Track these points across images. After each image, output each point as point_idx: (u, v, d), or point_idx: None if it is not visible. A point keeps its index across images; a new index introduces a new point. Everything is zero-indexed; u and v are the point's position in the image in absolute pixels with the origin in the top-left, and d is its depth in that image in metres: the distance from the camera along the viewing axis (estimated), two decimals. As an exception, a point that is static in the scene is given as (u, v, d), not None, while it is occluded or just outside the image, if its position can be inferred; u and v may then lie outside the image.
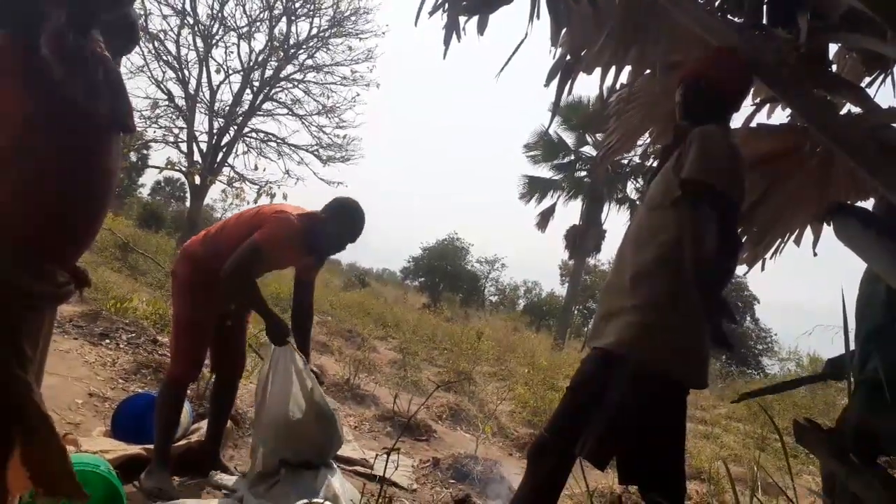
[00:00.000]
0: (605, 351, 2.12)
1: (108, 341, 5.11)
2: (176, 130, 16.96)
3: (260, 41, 17.80)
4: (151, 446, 3.04)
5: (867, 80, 2.76)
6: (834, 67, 2.86)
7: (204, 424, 3.45)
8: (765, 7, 2.45)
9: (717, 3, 2.61)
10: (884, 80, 2.73)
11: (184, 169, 16.64)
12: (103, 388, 4.04)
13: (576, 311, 26.68)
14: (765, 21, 2.46)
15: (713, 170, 2.02)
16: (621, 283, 2.17)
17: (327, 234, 3.13)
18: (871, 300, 2.54)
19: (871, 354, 2.45)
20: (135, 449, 2.99)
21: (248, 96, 17.86)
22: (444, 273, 28.50)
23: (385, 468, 2.26)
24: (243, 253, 2.87)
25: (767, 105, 2.96)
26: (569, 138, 20.66)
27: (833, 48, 2.79)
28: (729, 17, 2.57)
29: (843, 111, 2.70)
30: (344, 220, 3.18)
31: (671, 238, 2.06)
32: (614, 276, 2.27)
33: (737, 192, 2.04)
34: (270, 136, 18.20)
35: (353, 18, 17.76)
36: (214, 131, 17.25)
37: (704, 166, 2.02)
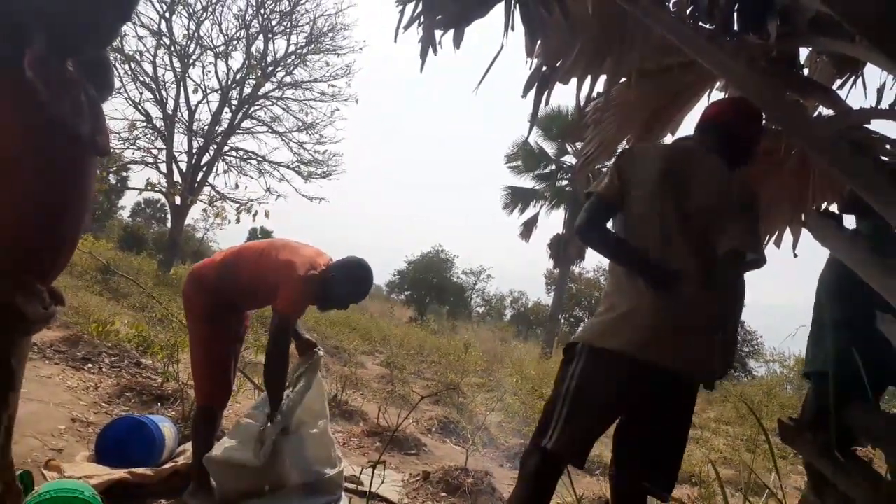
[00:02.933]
0: (570, 343, 2.24)
1: (90, 365, 5.04)
2: (155, 151, 16.89)
3: (237, 60, 17.88)
4: (137, 470, 3.02)
5: (838, 82, 2.81)
6: (806, 71, 2.92)
7: (189, 446, 3.41)
8: (735, 13, 2.49)
9: (688, 11, 2.65)
10: (854, 82, 2.79)
11: (164, 189, 16.55)
12: (86, 412, 3.98)
13: (562, 320, 26.73)
14: (735, 27, 2.50)
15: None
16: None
17: (334, 293, 3.14)
18: (829, 295, 2.65)
19: (822, 348, 2.58)
20: (119, 473, 2.95)
21: (226, 115, 17.88)
22: (430, 286, 28.46)
23: (371, 482, 2.24)
24: (277, 331, 2.98)
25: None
26: (549, 148, 20.80)
27: (804, 52, 2.85)
28: (700, 24, 2.61)
29: (815, 113, 2.74)
30: (352, 282, 3.17)
31: None
32: None
33: (608, 186, 2.23)
34: (250, 154, 18.19)
35: (330, 35, 17.87)
36: (194, 151, 17.20)
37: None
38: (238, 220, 17.01)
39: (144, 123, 16.60)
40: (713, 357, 2.09)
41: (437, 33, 2.62)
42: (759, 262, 2.23)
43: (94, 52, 1.60)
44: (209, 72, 18.11)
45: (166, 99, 16.92)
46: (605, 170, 2.32)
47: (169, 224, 19.57)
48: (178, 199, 16.66)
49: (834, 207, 3.05)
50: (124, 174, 19.70)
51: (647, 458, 2.15)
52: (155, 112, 16.84)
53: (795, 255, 3.15)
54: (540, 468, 2.11)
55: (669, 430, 2.18)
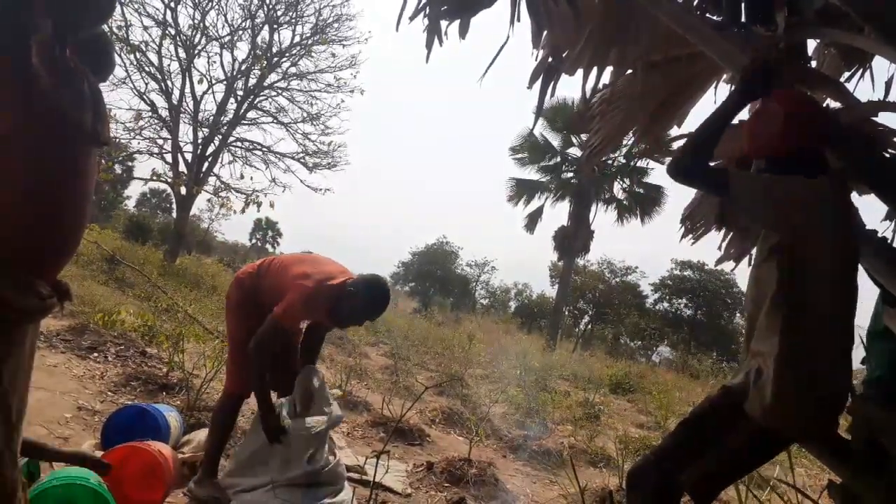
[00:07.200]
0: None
1: (96, 354, 5.07)
2: (160, 141, 16.92)
3: (243, 50, 17.80)
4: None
5: (846, 74, 2.79)
6: (814, 63, 2.90)
7: (194, 435, 3.44)
8: (743, 4, 2.47)
9: (695, 2, 2.63)
10: (863, 75, 2.77)
11: (169, 180, 16.56)
12: (92, 401, 4.00)
13: (566, 312, 26.76)
14: (743, 19, 2.49)
15: None
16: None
17: (350, 309, 3.06)
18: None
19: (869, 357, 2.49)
20: (125, 462, 2.96)
21: (232, 105, 17.85)
22: (435, 277, 28.58)
23: (375, 472, 2.25)
24: (265, 330, 2.93)
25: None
26: (554, 140, 20.76)
27: (812, 44, 2.83)
28: (707, 15, 2.60)
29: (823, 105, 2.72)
30: (369, 300, 3.06)
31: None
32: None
33: None
34: (256, 145, 18.16)
35: (335, 25, 17.79)
36: (199, 141, 17.17)
37: None
38: (243, 211, 17.04)
39: (150, 114, 16.61)
40: None
41: (443, 24, 2.61)
42: None
43: (94, 27, 1.59)
44: (214, 62, 18.16)
45: (171, 89, 16.91)
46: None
47: (174, 214, 19.60)
48: (183, 190, 16.67)
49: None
50: (130, 164, 19.75)
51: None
52: (160, 102, 16.86)
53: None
54: (658, 488, 2.07)
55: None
